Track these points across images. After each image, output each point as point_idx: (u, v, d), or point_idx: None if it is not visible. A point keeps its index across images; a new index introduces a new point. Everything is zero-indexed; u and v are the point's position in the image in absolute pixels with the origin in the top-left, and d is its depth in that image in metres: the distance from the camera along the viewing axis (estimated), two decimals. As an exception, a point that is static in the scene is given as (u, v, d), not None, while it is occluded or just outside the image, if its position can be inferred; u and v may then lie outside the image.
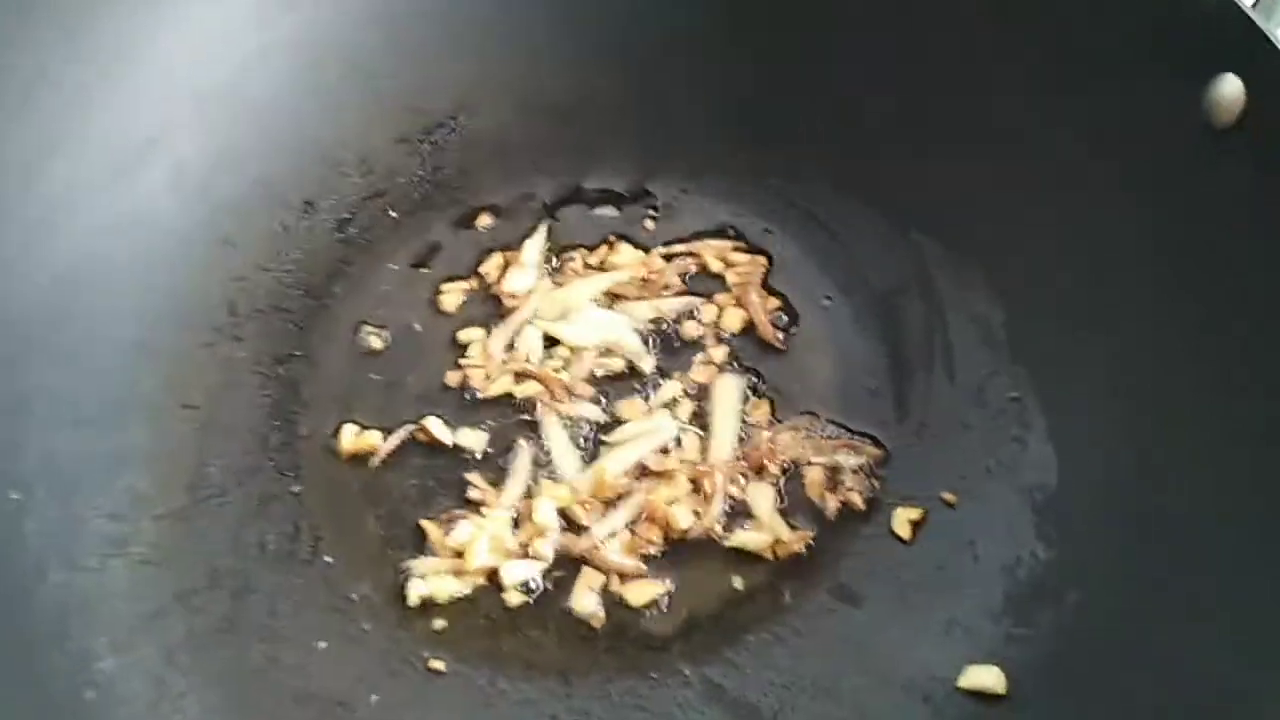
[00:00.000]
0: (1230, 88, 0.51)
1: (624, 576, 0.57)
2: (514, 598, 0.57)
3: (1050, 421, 0.60)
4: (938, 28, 0.66)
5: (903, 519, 0.58)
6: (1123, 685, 0.47)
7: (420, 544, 0.58)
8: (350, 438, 0.62)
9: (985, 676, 0.51)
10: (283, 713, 0.51)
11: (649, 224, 0.72)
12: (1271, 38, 0.50)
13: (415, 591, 0.56)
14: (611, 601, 0.56)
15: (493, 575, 0.57)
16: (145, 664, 0.51)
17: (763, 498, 0.60)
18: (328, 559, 0.57)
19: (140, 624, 0.52)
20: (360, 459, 0.62)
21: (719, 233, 0.72)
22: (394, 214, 0.72)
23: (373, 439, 0.62)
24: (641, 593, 0.57)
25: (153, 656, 0.51)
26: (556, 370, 0.65)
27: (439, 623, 0.56)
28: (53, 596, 0.51)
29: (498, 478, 0.61)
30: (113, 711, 0.48)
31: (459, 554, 0.57)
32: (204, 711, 0.50)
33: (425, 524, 0.59)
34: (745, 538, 0.58)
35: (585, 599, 0.56)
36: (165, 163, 0.65)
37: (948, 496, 0.59)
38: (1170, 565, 0.50)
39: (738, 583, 0.57)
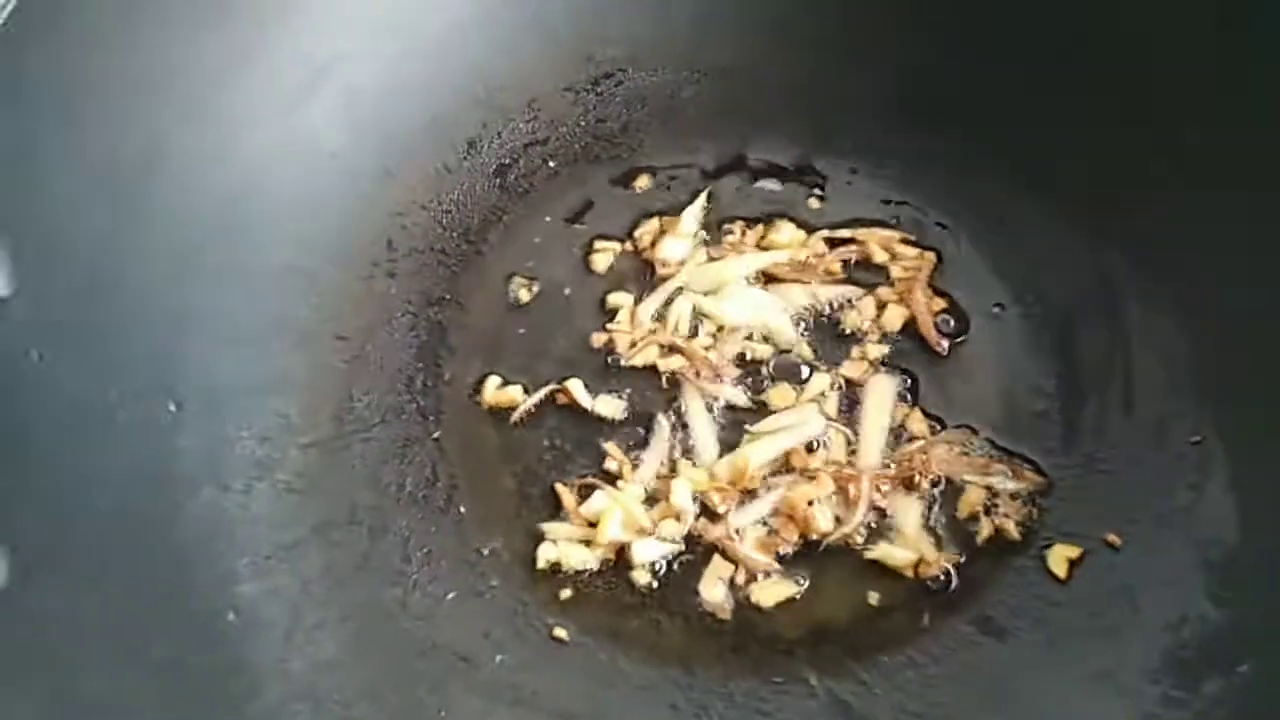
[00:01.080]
0: None
1: (754, 573, 0.55)
2: (642, 577, 0.55)
3: (1235, 471, 0.55)
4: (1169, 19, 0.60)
5: (1060, 556, 0.55)
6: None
7: (553, 507, 0.57)
8: (492, 390, 0.61)
9: (1139, 740, 0.48)
10: (410, 661, 0.51)
11: (813, 203, 0.69)
12: None
13: (545, 555, 0.56)
14: (740, 597, 0.55)
15: (622, 551, 0.56)
16: (283, 593, 0.51)
17: (910, 512, 0.57)
18: (462, 509, 0.57)
19: (281, 552, 0.53)
20: (500, 412, 0.61)
21: (887, 221, 0.68)
22: (553, 164, 0.70)
23: (514, 394, 0.61)
24: (772, 592, 0.55)
25: (291, 586, 0.52)
26: (705, 347, 0.63)
27: (565, 592, 0.55)
28: (202, 514, 0.52)
29: (635, 450, 0.60)
30: (252, 635, 0.49)
31: (591, 524, 0.56)
32: (337, 649, 0.50)
33: (560, 489, 0.58)
34: (887, 551, 0.56)
35: (715, 589, 0.54)
36: (335, 92, 0.64)
37: (1112, 538, 0.55)
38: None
39: (874, 598, 0.55)
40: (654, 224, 0.68)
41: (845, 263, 0.66)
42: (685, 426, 0.60)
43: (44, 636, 0.39)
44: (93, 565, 0.44)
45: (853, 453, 0.59)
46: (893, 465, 0.58)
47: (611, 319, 0.64)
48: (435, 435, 0.60)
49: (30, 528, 0.41)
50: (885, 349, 0.63)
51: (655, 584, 0.55)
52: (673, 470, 0.59)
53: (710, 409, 0.61)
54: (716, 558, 0.56)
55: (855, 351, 0.63)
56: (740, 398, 0.61)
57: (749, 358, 0.63)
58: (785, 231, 0.67)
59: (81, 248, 0.50)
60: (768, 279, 0.66)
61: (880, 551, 0.55)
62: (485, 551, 0.56)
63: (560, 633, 0.54)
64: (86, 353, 0.50)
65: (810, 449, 0.59)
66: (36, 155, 0.48)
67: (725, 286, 0.65)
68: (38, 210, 0.48)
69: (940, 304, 0.64)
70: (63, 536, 0.43)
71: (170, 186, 0.56)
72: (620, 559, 0.56)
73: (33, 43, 0.48)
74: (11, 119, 0.47)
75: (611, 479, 0.59)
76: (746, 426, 0.60)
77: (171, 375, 0.54)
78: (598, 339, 0.64)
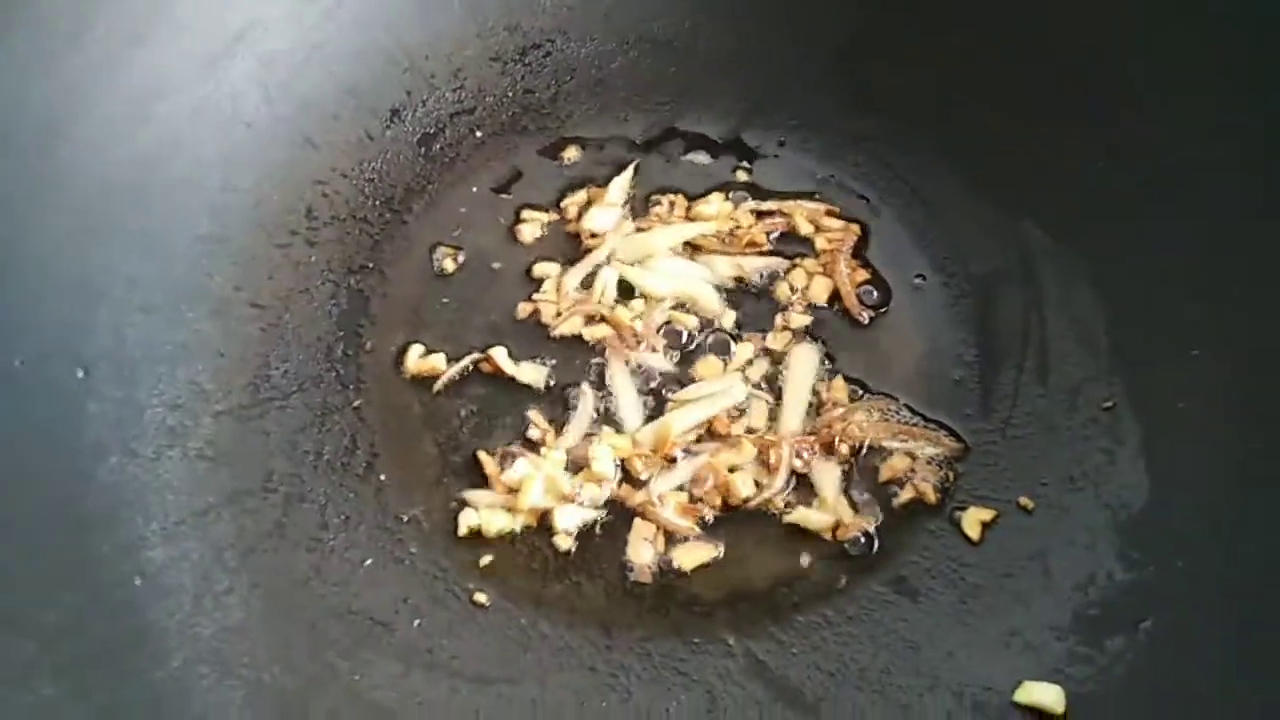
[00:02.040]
0: None
1: (674, 537, 0.56)
2: (564, 542, 0.55)
3: (1145, 437, 0.56)
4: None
5: (974, 519, 0.56)
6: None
7: (475, 475, 0.57)
8: (415, 359, 0.61)
9: (1044, 694, 0.49)
10: (323, 626, 0.51)
11: (741, 175, 0.69)
12: None
13: (466, 522, 0.55)
14: (660, 561, 0.55)
15: (544, 517, 0.56)
16: (193, 559, 0.50)
17: (829, 477, 0.57)
18: (382, 477, 0.56)
19: (191, 519, 0.52)
20: (423, 381, 0.60)
21: (813, 194, 0.68)
22: (479, 134, 0.69)
23: (437, 362, 0.61)
24: (691, 556, 0.55)
25: (201, 552, 0.51)
26: (630, 317, 0.63)
27: (486, 557, 0.55)
28: (109, 480, 0.50)
29: (558, 418, 0.59)
30: (158, 601, 0.48)
31: (513, 491, 0.56)
32: (246, 614, 0.50)
33: (482, 456, 0.57)
34: (806, 515, 0.56)
35: (642, 551, 0.54)
36: (252, 57, 0.63)
37: (1025, 502, 0.56)
38: (1261, 608, 0.47)
39: (792, 560, 0.55)
40: (581, 195, 0.68)
41: (771, 234, 0.67)
42: (609, 394, 0.60)
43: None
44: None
45: (774, 420, 0.60)
46: (813, 432, 0.59)
47: (538, 289, 0.64)
48: (355, 404, 0.59)
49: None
50: (808, 319, 0.63)
51: (576, 549, 0.55)
52: (596, 437, 0.59)
53: (635, 377, 0.61)
54: (639, 521, 0.56)
55: (779, 321, 0.63)
56: (666, 366, 0.61)
57: (675, 328, 0.63)
58: (713, 203, 0.67)
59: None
60: (694, 250, 0.66)
61: (799, 515, 0.56)
62: (405, 518, 0.55)
63: (480, 598, 0.53)
64: (-14, 317, 0.48)
65: (732, 416, 0.59)
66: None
67: (652, 257, 0.65)
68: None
69: (863, 275, 0.65)
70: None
71: (78, 150, 0.55)
72: (542, 524, 0.56)
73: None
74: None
75: (535, 447, 0.58)
76: (669, 394, 0.60)
77: (79, 341, 0.53)
78: (524, 309, 0.63)
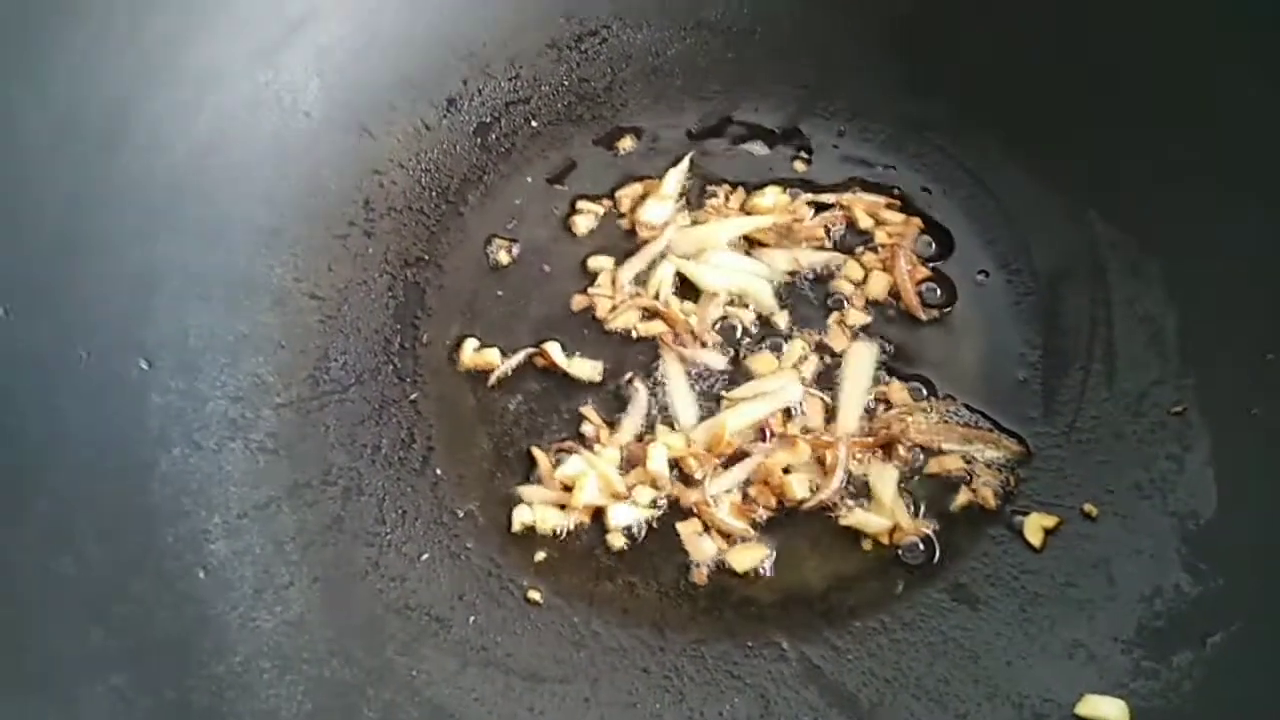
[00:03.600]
0: None
1: (730, 538, 0.55)
2: (617, 540, 0.55)
3: (1215, 444, 0.55)
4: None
5: (1036, 525, 0.55)
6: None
7: (529, 471, 0.57)
8: (470, 353, 0.61)
9: (1107, 708, 0.48)
10: (381, 620, 0.51)
11: (799, 166, 0.68)
12: None
13: (520, 518, 0.55)
14: (715, 562, 0.55)
15: (598, 515, 0.56)
16: (254, 552, 0.51)
17: (886, 479, 0.56)
18: (438, 471, 0.57)
19: (253, 511, 0.52)
20: (478, 375, 0.60)
21: (873, 186, 0.67)
22: (535, 124, 0.69)
23: (491, 357, 0.61)
24: (745, 557, 0.55)
25: (262, 545, 0.51)
26: (685, 313, 0.62)
27: (540, 554, 0.55)
28: (172, 471, 0.51)
29: (612, 414, 0.59)
30: (221, 594, 0.49)
31: (567, 488, 0.56)
32: (306, 608, 0.50)
33: (536, 452, 0.57)
34: (862, 518, 0.55)
35: (703, 547, 0.54)
36: (310, 46, 0.63)
37: (1089, 509, 0.55)
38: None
39: (848, 564, 0.55)
40: (637, 186, 0.67)
41: (829, 228, 0.65)
42: (664, 391, 0.60)
43: (17, 591, 0.39)
44: (62, 521, 0.44)
45: (831, 420, 0.59)
46: (870, 433, 0.58)
47: (592, 282, 0.64)
48: (412, 397, 0.59)
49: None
50: (867, 317, 0.62)
51: (630, 548, 0.55)
52: (650, 435, 0.58)
53: (689, 374, 0.60)
54: (691, 520, 0.56)
55: (836, 318, 0.62)
56: (720, 363, 0.61)
57: (730, 323, 0.62)
58: (769, 195, 0.66)
59: (49, 207, 0.49)
60: (751, 244, 0.65)
61: (855, 518, 0.55)
62: (460, 513, 0.56)
63: (534, 595, 0.54)
64: (55, 310, 0.49)
65: (788, 415, 0.59)
66: (6, 106, 0.47)
67: (707, 251, 0.64)
68: (6, 161, 0.47)
69: (924, 272, 0.63)
70: (34, 490, 0.43)
71: (138, 144, 0.55)
72: (596, 522, 0.56)
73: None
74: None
75: (588, 443, 0.58)
76: (724, 392, 0.59)
77: (141, 333, 0.53)
78: (578, 302, 0.63)
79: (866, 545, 0.55)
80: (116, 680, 0.41)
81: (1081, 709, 0.49)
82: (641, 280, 0.64)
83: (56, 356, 0.48)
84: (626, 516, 0.56)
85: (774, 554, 0.55)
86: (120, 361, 0.51)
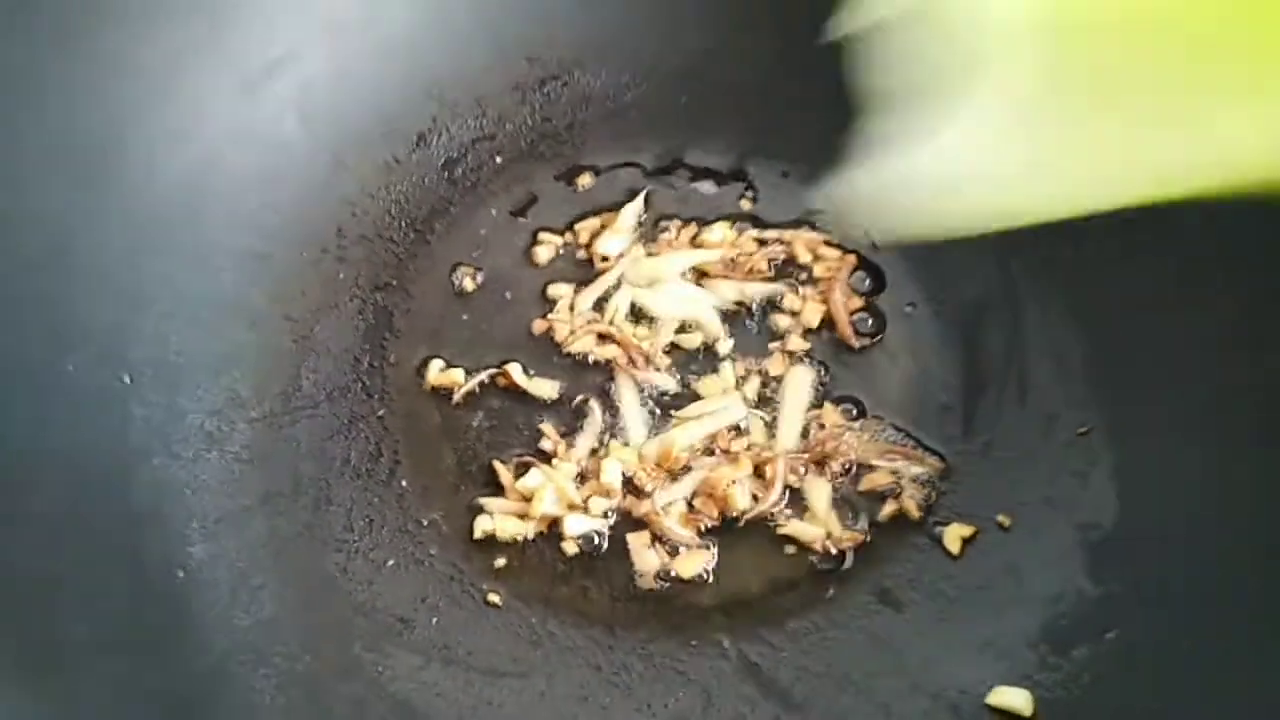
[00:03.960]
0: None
1: (675, 547, 0.60)
2: (572, 548, 0.59)
3: (1116, 462, 0.60)
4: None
5: (954, 534, 0.60)
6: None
7: (491, 483, 0.61)
8: (435, 372, 0.65)
9: (1014, 698, 0.53)
10: (348, 621, 0.54)
11: (745, 204, 0.73)
12: None
13: (481, 527, 0.59)
14: (661, 568, 0.59)
15: (554, 524, 0.60)
16: (230, 556, 0.54)
17: (820, 492, 0.61)
18: (404, 483, 0.60)
19: (228, 518, 0.55)
20: (443, 393, 0.64)
21: (812, 224, 0.72)
22: (499, 160, 0.73)
23: (456, 376, 0.65)
24: (690, 564, 0.59)
25: (237, 550, 0.54)
26: (638, 338, 0.67)
27: (500, 560, 0.59)
28: (152, 479, 0.54)
29: (569, 431, 0.63)
30: (199, 593, 0.52)
31: (526, 499, 0.60)
32: (278, 608, 0.53)
33: (498, 465, 0.61)
34: (798, 527, 0.60)
35: (648, 558, 0.58)
36: (291, 83, 0.67)
37: (1002, 519, 0.60)
38: (1215, 627, 0.51)
39: (784, 570, 0.59)
40: (595, 220, 0.72)
41: (772, 262, 0.71)
42: (617, 410, 0.64)
43: (13, 588, 0.42)
44: (55, 523, 0.47)
45: (771, 438, 0.64)
46: (806, 450, 0.63)
47: (552, 308, 0.68)
48: (380, 413, 0.63)
49: (-8, 485, 0.43)
50: (806, 344, 0.67)
51: (584, 555, 0.59)
52: (604, 450, 0.63)
53: (641, 394, 0.65)
54: (640, 531, 0.60)
55: (777, 345, 0.67)
56: (670, 384, 0.65)
57: (678, 348, 0.67)
58: (718, 231, 0.72)
59: (41, 224, 0.53)
60: (700, 275, 0.70)
61: (792, 527, 0.60)
62: (425, 522, 0.59)
63: (494, 598, 0.57)
64: (43, 323, 0.52)
65: (732, 433, 0.63)
66: (6, 130, 0.50)
67: (660, 281, 0.69)
68: (3, 181, 0.50)
69: (857, 303, 0.69)
70: (25, 495, 0.46)
71: (129, 168, 0.59)
72: (552, 531, 0.60)
73: (3, 25, 0.50)
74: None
75: (546, 457, 0.62)
76: (673, 411, 0.64)
77: (125, 348, 0.57)
78: (538, 326, 0.67)
79: (798, 552, 0.59)
80: (106, 669, 0.43)
81: (991, 699, 0.53)
82: (598, 307, 0.68)
83: (46, 368, 0.51)
84: (581, 526, 0.60)
85: (716, 560, 0.59)
86: (105, 375, 0.54)
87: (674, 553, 0.60)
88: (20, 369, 0.49)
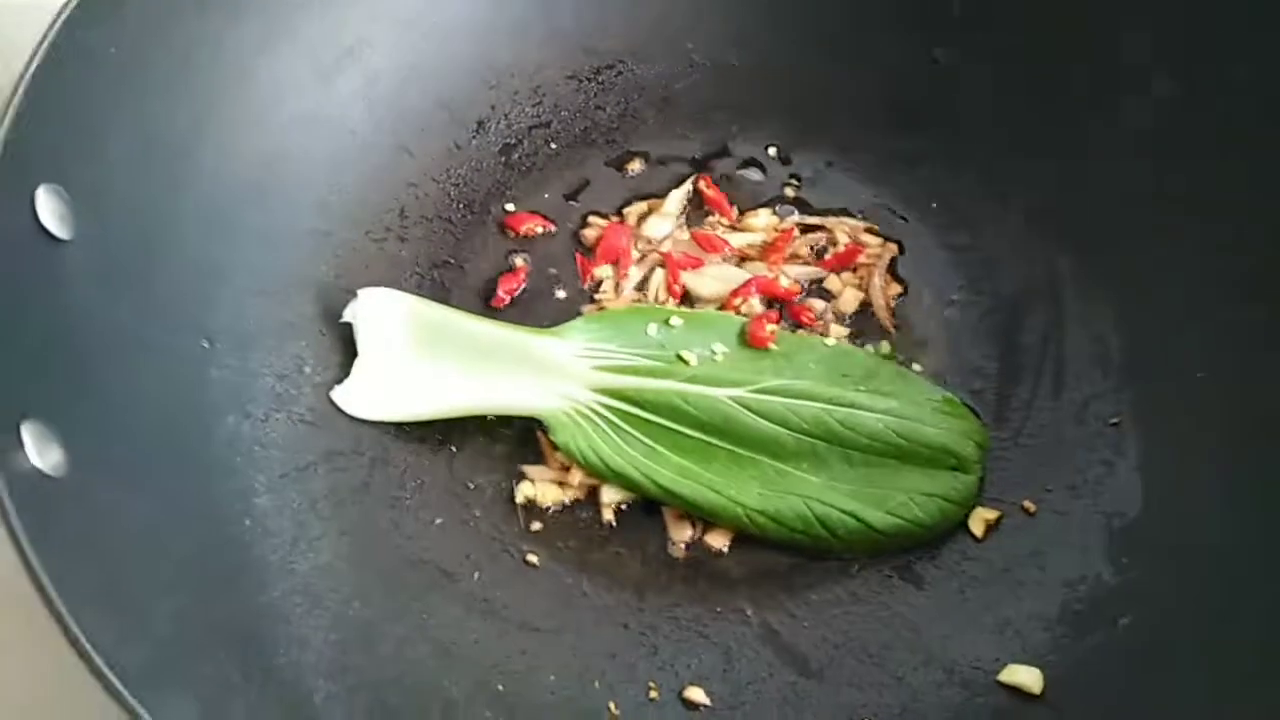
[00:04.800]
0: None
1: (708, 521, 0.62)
2: (608, 515, 0.63)
3: (1144, 453, 0.61)
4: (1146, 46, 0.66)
5: (979, 517, 0.61)
6: (1152, 709, 0.50)
7: (534, 452, 0.65)
8: (487, 346, 0.68)
9: (1025, 675, 0.55)
10: (398, 571, 0.59)
11: (789, 191, 0.75)
12: None
13: (523, 492, 0.63)
14: (693, 538, 0.62)
15: (592, 492, 0.63)
16: (292, 507, 0.59)
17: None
18: (453, 448, 0.64)
19: (293, 473, 0.60)
20: (492, 366, 0.68)
21: (854, 212, 0.74)
22: (554, 146, 0.77)
23: (506, 350, 0.68)
24: (719, 536, 0.62)
25: (299, 502, 0.59)
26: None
27: (539, 524, 0.62)
28: (226, 435, 0.59)
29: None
30: (263, 540, 0.57)
31: (565, 468, 0.64)
32: (333, 557, 0.58)
33: (540, 436, 0.65)
34: (827, 506, 0.62)
35: (683, 529, 0.62)
36: (360, 72, 0.71)
37: (1028, 505, 0.61)
38: (1229, 621, 0.52)
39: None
40: (642, 205, 0.75)
41: (814, 248, 0.73)
42: (657, 387, 0.67)
43: (94, 526, 0.47)
44: (136, 469, 0.52)
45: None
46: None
47: (598, 288, 0.71)
48: (434, 383, 0.67)
49: (85, 431, 0.48)
50: (844, 329, 0.69)
51: (619, 523, 0.63)
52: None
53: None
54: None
55: (818, 328, 0.69)
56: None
57: (720, 329, 0.69)
58: (761, 216, 0.74)
59: (135, 202, 0.58)
60: (742, 259, 0.73)
61: (821, 506, 0.62)
62: (471, 485, 0.63)
63: (532, 558, 0.61)
64: (133, 293, 0.57)
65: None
66: (101, 121, 0.55)
67: (703, 264, 0.72)
68: (99, 169, 0.55)
69: (897, 289, 0.71)
70: (111, 443, 0.51)
71: (213, 151, 0.63)
72: (590, 499, 0.63)
73: (96, 21, 0.55)
74: (81, 91, 0.54)
75: (587, 429, 0.66)
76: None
77: (205, 317, 0.62)
78: (587, 309, 0.70)
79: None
80: (178, 602, 0.49)
81: (1003, 676, 0.55)
82: (642, 286, 0.71)
83: (133, 331, 0.56)
84: (618, 495, 0.63)
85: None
86: (187, 340, 0.60)
87: (705, 526, 0.62)
88: (111, 329, 0.54)
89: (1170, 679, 0.51)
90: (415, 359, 0.63)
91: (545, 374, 0.63)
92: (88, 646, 0.40)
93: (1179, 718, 0.49)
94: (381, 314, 0.64)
